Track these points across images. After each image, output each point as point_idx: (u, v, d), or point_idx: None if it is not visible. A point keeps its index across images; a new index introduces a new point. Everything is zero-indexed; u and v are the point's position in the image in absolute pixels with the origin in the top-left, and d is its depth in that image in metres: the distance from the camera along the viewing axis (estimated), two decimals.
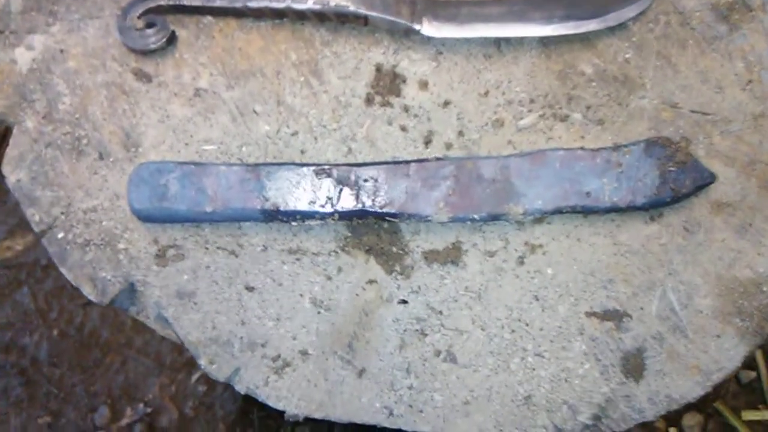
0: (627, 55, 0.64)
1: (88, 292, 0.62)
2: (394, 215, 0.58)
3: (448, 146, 0.63)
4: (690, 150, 0.62)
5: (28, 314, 1.30)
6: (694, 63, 0.64)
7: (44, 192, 0.61)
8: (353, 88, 0.64)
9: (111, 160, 0.62)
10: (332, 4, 0.62)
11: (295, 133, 0.63)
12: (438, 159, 0.60)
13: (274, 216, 0.59)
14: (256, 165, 0.58)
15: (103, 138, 0.62)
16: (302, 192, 0.58)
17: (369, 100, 0.64)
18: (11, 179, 0.61)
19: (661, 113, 0.63)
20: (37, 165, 0.61)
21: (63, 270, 0.62)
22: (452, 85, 0.64)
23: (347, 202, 0.58)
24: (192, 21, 0.64)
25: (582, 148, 0.60)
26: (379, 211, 0.58)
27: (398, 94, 0.64)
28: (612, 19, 0.63)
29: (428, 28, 0.62)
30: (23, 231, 1.34)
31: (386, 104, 0.63)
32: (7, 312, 1.31)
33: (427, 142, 0.63)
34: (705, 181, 0.59)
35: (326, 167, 0.58)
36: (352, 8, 0.62)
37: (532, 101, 0.63)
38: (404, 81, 0.64)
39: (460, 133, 0.63)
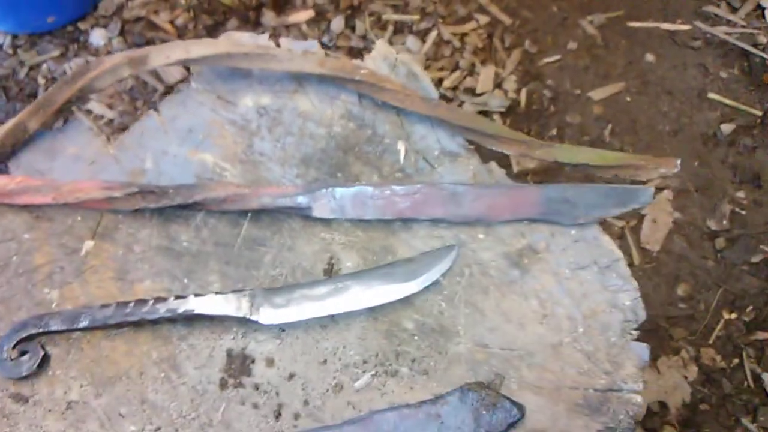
0: (441, 307, 0.74)
1: None
2: None
3: (296, 416, 0.71)
4: (504, 385, 0.70)
5: None
6: (497, 306, 0.74)
7: None
8: (208, 375, 0.73)
9: None
10: (180, 310, 0.72)
11: (157, 429, 0.70)
12: None
13: None
14: None
15: None
16: None
17: (223, 384, 0.72)
18: None
19: (475, 355, 0.72)
20: None
21: None
22: (295, 358, 0.73)
23: None
24: (62, 338, 0.74)
25: (407, 405, 0.69)
26: None
27: (249, 374, 0.73)
28: (423, 282, 0.74)
29: (265, 317, 0.72)
30: None
31: (239, 385, 0.72)
32: None
33: (278, 416, 0.71)
34: (515, 418, 0.67)
35: None
36: (198, 311, 0.72)
37: (365, 362, 0.73)
38: (253, 361, 0.73)
39: (306, 402, 0.71)
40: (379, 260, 0.77)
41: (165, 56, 0.80)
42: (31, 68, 1.84)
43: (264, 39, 0.87)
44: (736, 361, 1.44)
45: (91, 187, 0.76)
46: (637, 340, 0.72)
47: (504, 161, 1.24)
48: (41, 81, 1.81)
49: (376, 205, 0.77)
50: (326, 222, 0.79)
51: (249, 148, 0.82)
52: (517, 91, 1.79)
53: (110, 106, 1.76)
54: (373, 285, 0.74)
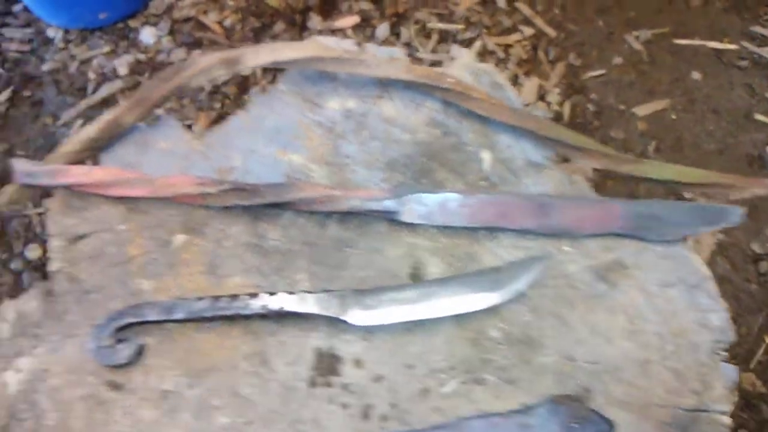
0: (527, 318, 0.75)
1: None
2: None
3: (384, 418, 0.72)
4: (591, 398, 0.71)
5: None
6: (583, 319, 0.75)
7: None
8: (298, 372, 0.74)
9: None
10: (273, 307, 0.73)
11: (249, 423, 0.72)
12: None
13: None
14: None
15: None
16: None
17: (312, 383, 0.74)
18: None
19: (561, 367, 0.73)
20: None
21: None
22: (382, 361, 0.74)
23: None
24: (156, 328, 0.75)
25: (497, 414, 0.70)
26: None
27: (337, 374, 0.74)
28: (509, 292, 0.75)
29: (355, 319, 0.74)
30: None
31: (327, 384, 0.73)
32: None
33: (366, 417, 0.72)
34: None
35: None
36: (289, 309, 0.73)
37: (451, 368, 0.74)
38: (341, 361, 0.74)
39: (393, 405, 0.72)
40: (463, 267, 0.78)
41: (257, 58, 0.82)
42: (81, 63, 1.87)
43: (350, 44, 0.89)
44: None
45: (186, 182, 0.78)
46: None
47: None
48: (91, 76, 1.84)
49: (462, 213, 0.78)
50: (411, 227, 0.80)
51: (335, 151, 0.84)
52: (561, 103, 1.80)
53: None
54: (461, 292, 0.75)
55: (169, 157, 0.83)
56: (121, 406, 0.72)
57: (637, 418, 0.70)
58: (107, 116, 0.80)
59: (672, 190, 0.79)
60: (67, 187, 0.79)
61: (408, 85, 0.85)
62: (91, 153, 0.81)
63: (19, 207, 0.99)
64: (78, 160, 0.81)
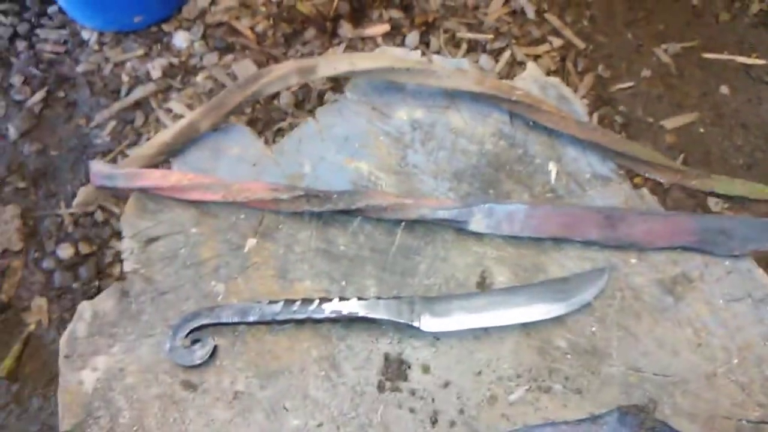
0: (593, 329, 0.77)
1: None
2: None
3: (452, 424, 0.73)
4: (658, 410, 0.73)
5: None
6: (650, 331, 0.76)
7: None
8: (366, 377, 0.75)
9: None
10: (345, 312, 0.75)
11: (320, 425, 0.73)
12: None
13: None
14: None
15: None
16: None
17: (381, 387, 0.75)
18: None
19: (628, 378, 0.74)
20: None
21: None
22: (450, 367, 0.75)
23: None
24: (228, 330, 0.77)
25: (565, 422, 0.71)
26: None
27: (405, 379, 0.75)
28: (576, 302, 0.76)
29: (426, 325, 0.75)
30: None
31: (396, 389, 0.75)
32: None
33: (434, 422, 0.73)
34: None
35: None
36: (361, 314, 0.75)
37: (518, 376, 0.75)
38: (409, 366, 0.76)
39: (461, 411, 0.74)
40: (530, 277, 0.79)
41: (332, 68, 0.84)
42: (115, 65, 1.89)
43: (417, 55, 0.90)
44: None
45: (259, 188, 0.79)
46: None
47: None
48: (125, 78, 1.86)
49: (529, 224, 0.80)
50: (478, 236, 0.81)
51: (403, 160, 0.85)
52: (589, 114, 1.81)
53: (189, 107, 1.80)
54: (528, 302, 0.76)
55: (241, 164, 0.85)
56: (194, 405, 0.74)
57: (702, 429, 0.72)
58: (183, 121, 0.82)
59: (739, 205, 0.80)
60: (143, 190, 0.80)
61: (475, 97, 0.87)
62: (166, 157, 0.83)
63: (91, 208, 1.01)
64: (152, 164, 0.82)
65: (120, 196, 0.83)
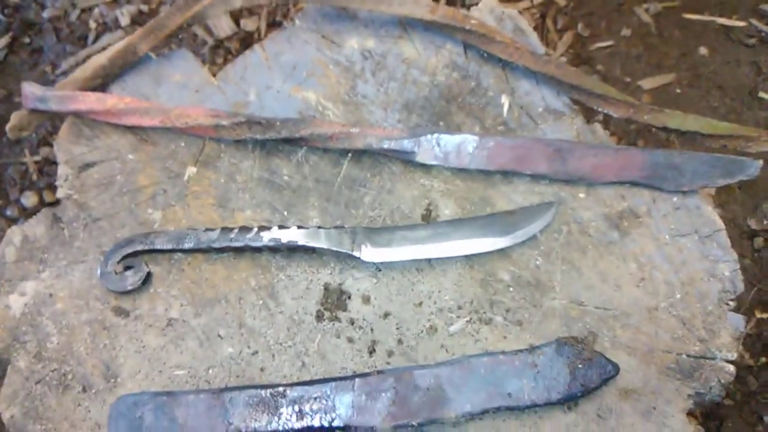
0: (537, 262, 0.75)
1: None
2: (343, 428, 0.66)
3: (390, 353, 0.72)
4: (597, 343, 0.72)
5: None
6: (594, 265, 0.75)
7: (35, 426, 0.69)
8: (305, 306, 0.74)
9: (93, 392, 0.70)
10: (284, 240, 0.73)
11: (255, 353, 0.72)
12: (379, 372, 0.69)
13: None
14: (221, 391, 0.67)
15: (86, 372, 0.70)
16: (261, 414, 0.66)
17: (319, 317, 0.73)
18: (6, 415, 0.69)
19: (570, 311, 0.73)
20: (28, 401, 0.69)
21: None
22: (391, 298, 0.74)
23: (302, 419, 0.66)
24: (164, 258, 0.75)
25: (503, 353, 0.70)
26: (331, 425, 0.66)
27: (345, 309, 0.74)
28: (521, 235, 0.75)
29: (367, 255, 0.73)
30: None
31: (334, 319, 0.73)
32: None
33: (371, 352, 0.72)
34: (609, 374, 0.68)
35: (281, 389, 0.67)
36: (300, 242, 0.73)
37: (459, 308, 0.74)
38: (349, 297, 0.74)
39: (400, 341, 0.72)
40: (477, 211, 0.78)
41: None
42: (82, 11, 1.83)
43: None
44: (763, 359, 1.46)
45: (199, 113, 0.77)
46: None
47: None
48: (92, 25, 1.80)
49: (479, 156, 0.78)
50: (426, 168, 0.79)
51: (352, 90, 0.83)
52: None
53: None
54: (472, 234, 0.75)
55: (184, 91, 0.82)
56: (126, 331, 0.72)
57: (641, 362, 0.71)
58: (120, 44, 0.79)
59: (693, 141, 0.78)
60: (78, 115, 0.77)
61: (429, 26, 0.84)
62: (102, 81, 0.80)
63: (26, 134, 0.98)
64: (88, 88, 0.79)
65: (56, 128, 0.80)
